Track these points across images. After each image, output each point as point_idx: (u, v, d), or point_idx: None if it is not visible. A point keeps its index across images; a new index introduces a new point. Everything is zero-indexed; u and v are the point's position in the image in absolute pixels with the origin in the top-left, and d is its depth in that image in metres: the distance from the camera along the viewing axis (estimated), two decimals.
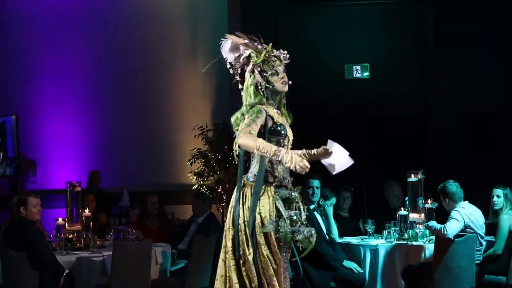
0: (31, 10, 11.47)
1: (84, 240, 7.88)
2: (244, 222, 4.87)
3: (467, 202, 7.42)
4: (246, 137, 4.74)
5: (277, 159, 4.72)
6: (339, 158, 5.05)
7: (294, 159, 4.66)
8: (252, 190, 4.89)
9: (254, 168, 4.96)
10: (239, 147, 4.85)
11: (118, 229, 8.42)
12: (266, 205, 4.87)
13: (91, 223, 8.13)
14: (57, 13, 11.45)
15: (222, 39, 5.14)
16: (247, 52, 5.09)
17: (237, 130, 5.01)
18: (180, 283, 7.66)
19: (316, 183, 7.85)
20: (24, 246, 6.92)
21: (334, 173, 5.04)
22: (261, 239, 4.85)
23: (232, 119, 5.08)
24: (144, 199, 9.29)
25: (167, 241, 8.48)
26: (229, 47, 5.14)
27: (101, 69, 11.46)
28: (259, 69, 5.06)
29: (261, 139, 4.75)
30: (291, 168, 4.69)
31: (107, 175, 10.92)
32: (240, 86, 5.17)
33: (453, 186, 7.44)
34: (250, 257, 4.83)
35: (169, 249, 8.19)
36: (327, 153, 5.05)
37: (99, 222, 9.66)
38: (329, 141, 5.09)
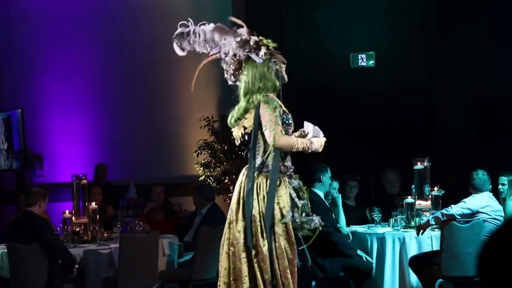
0: (37, 6, 11.47)
1: (91, 233, 7.89)
2: (259, 213, 4.82)
3: (486, 193, 7.33)
4: (284, 140, 4.81)
5: (310, 150, 4.81)
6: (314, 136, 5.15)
7: (321, 142, 4.90)
8: (268, 181, 4.86)
9: (263, 158, 4.91)
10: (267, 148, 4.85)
11: (125, 222, 8.44)
12: (284, 195, 4.85)
13: (97, 215, 8.14)
14: (63, 9, 11.45)
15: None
16: (255, 38, 5.06)
17: (239, 118, 4.99)
18: (187, 274, 7.66)
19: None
20: (34, 239, 6.93)
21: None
22: (279, 230, 4.82)
23: (239, 106, 5.02)
24: (149, 190, 9.29)
25: (174, 233, 8.48)
26: (231, 30, 5.12)
27: (107, 63, 11.46)
28: (273, 54, 5.06)
29: (296, 138, 4.87)
30: (319, 151, 4.87)
31: (114, 168, 10.94)
32: (232, 79, 5.14)
33: (474, 176, 7.37)
34: (265, 249, 4.79)
35: (176, 240, 8.20)
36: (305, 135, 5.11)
37: (106, 215, 9.67)
38: (305, 122, 5.17)
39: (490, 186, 7.35)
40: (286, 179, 4.90)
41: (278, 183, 4.85)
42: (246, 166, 5.06)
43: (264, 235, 4.79)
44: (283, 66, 5.08)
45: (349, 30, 11.26)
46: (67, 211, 8.06)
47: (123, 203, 10.19)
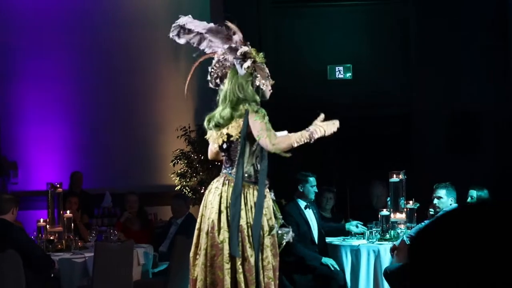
0: (11, 12, 11.41)
1: (65, 241, 7.85)
2: (247, 223, 4.79)
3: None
4: (280, 141, 4.76)
5: (313, 139, 4.73)
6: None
7: (325, 127, 4.90)
8: (255, 191, 4.84)
9: (246, 167, 4.90)
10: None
11: (100, 230, 8.40)
12: (270, 206, 4.85)
13: (72, 224, 8.10)
14: (40, 16, 11.40)
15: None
16: (245, 48, 5.03)
17: (221, 124, 4.97)
18: (162, 284, 7.63)
19: (314, 181, 7.94)
20: (10, 246, 6.85)
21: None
22: (267, 242, 4.81)
23: (223, 113, 4.98)
24: (124, 199, 9.26)
25: (149, 242, 8.46)
26: (224, 34, 5.09)
27: (83, 71, 11.42)
28: (258, 68, 5.04)
29: (292, 135, 4.80)
30: (327, 134, 4.84)
31: (89, 176, 10.89)
32: (214, 83, 5.12)
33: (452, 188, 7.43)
34: (252, 259, 4.76)
35: (151, 250, 8.18)
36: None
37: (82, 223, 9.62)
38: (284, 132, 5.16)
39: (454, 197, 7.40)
40: (268, 190, 4.91)
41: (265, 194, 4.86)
42: (222, 175, 5.03)
43: (252, 245, 4.76)
44: (267, 83, 5.06)
45: (326, 43, 11.32)
46: (41, 219, 8.01)
47: (98, 211, 10.15)
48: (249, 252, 4.77)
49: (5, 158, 11.07)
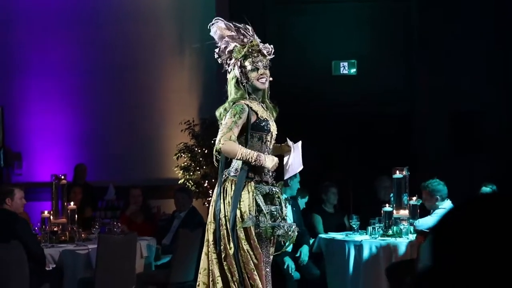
0: (16, 5, 11.43)
1: (69, 233, 7.88)
2: (225, 216, 4.93)
3: (449, 201, 7.46)
4: (228, 145, 4.88)
5: (258, 164, 4.86)
6: (294, 159, 5.18)
7: (275, 162, 4.95)
8: (233, 185, 4.94)
9: (235, 163, 5.00)
10: (218, 152, 4.96)
11: (103, 223, 8.43)
12: (246, 200, 4.92)
13: (76, 216, 8.13)
14: (45, 8, 11.42)
15: (212, 22, 5.20)
16: (232, 45, 5.13)
17: (218, 117, 5.09)
18: (165, 277, 7.68)
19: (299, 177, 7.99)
20: (12, 238, 6.88)
21: (286, 177, 5.23)
22: (241, 234, 4.90)
23: (217, 113, 5.14)
24: (128, 193, 9.30)
25: (152, 235, 8.50)
26: (217, 36, 5.20)
27: (88, 64, 11.44)
28: (239, 63, 5.10)
29: (241, 147, 4.90)
30: (269, 167, 4.91)
31: (93, 169, 10.92)
32: (227, 68, 5.24)
33: (437, 184, 7.48)
34: (231, 252, 4.88)
35: (154, 243, 8.21)
36: (288, 150, 5.19)
37: (85, 216, 9.66)
38: (288, 140, 5.21)
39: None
40: (252, 184, 4.95)
41: (242, 188, 4.92)
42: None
43: (230, 238, 4.88)
44: (253, 75, 5.10)
45: (331, 38, 11.33)
46: (45, 211, 8.04)
47: (102, 204, 10.19)
48: (228, 244, 4.88)
49: (9, 149, 11.09)
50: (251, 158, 4.87)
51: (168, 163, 11.13)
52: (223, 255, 4.93)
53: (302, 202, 8.65)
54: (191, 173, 10.62)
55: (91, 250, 7.38)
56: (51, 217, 7.98)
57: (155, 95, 11.55)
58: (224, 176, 5.03)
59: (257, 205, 4.96)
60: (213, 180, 10.36)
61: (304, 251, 8.12)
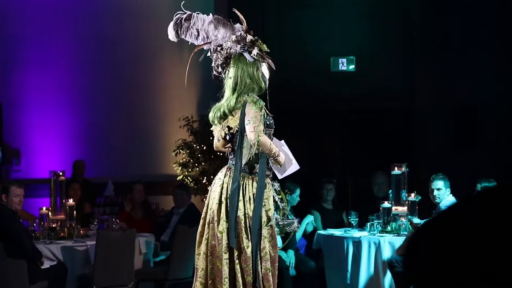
0: (16, 1, 11.41)
1: (67, 230, 7.88)
2: (244, 214, 4.83)
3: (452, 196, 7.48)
4: (264, 138, 4.84)
5: (278, 159, 4.83)
6: (289, 161, 5.18)
7: (283, 161, 4.97)
8: (253, 183, 4.87)
9: (251, 160, 4.93)
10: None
11: (102, 219, 8.43)
12: (270, 198, 4.87)
13: (75, 212, 8.12)
14: (43, 4, 11.40)
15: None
16: (250, 37, 5.07)
17: (226, 114, 4.98)
18: (163, 273, 7.68)
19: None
20: (3, 234, 6.85)
21: (281, 176, 5.20)
22: (265, 233, 4.84)
23: (231, 103, 4.99)
24: (130, 188, 9.28)
25: (151, 232, 8.49)
26: (229, 24, 5.15)
27: (87, 60, 11.42)
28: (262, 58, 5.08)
29: (273, 143, 4.90)
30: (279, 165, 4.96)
31: (92, 165, 10.91)
32: (218, 70, 5.13)
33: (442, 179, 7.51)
34: (248, 250, 4.79)
35: (152, 239, 8.21)
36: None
37: (83, 212, 9.66)
38: (282, 142, 5.18)
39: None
40: (270, 181, 4.93)
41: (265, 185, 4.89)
42: (226, 166, 5.07)
43: (249, 236, 4.79)
44: (267, 73, 5.10)
45: (330, 34, 11.31)
46: (44, 207, 8.03)
47: (100, 200, 10.18)
48: (246, 243, 4.80)
49: (8, 146, 11.09)
50: (276, 152, 4.86)
51: (166, 160, 11.12)
52: (236, 254, 4.84)
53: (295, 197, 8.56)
54: (190, 170, 10.62)
55: (90, 247, 7.38)
56: (50, 214, 7.97)
57: (154, 92, 11.54)
58: (241, 173, 4.92)
59: (275, 201, 4.94)
60: (211, 177, 10.34)
61: (290, 254, 8.14)
